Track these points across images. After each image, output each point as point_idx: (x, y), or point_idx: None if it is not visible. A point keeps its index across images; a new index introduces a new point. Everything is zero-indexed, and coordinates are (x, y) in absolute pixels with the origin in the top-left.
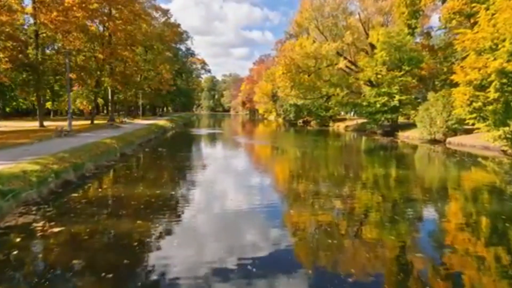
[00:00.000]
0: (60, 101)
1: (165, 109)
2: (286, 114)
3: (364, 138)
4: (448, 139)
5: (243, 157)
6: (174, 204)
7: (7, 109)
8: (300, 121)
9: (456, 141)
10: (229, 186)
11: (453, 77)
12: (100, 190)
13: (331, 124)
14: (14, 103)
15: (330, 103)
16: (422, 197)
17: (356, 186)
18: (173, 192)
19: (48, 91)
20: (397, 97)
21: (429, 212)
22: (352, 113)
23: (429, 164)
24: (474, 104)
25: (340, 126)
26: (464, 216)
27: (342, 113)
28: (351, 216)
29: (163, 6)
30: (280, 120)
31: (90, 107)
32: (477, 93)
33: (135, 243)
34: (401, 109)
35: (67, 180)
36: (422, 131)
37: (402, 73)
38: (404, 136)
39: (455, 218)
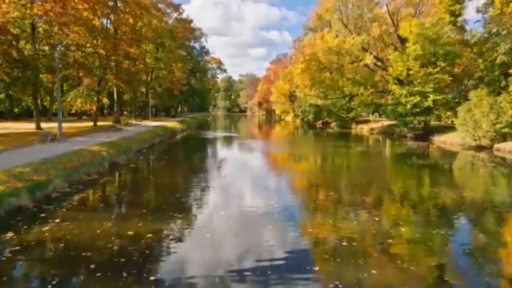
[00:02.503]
0: (60, 101)
1: (179, 109)
2: (305, 115)
3: (394, 143)
4: (496, 145)
5: (259, 175)
6: (171, 263)
7: (16, 110)
8: (319, 122)
9: (507, 148)
10: (246, 230)
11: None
12: (52, 227)
13: (353, 126)
14: (23, 103)
15: (352, 103)
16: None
17: (398, 216)
18: (168, 235)
19: (42, 90)
20: (431, 96)
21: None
22: (374, 114)
23: (477, 177)
24: None
25: (364, 129)
26: None
27: (362, 114)
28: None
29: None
30: (298, 121)
31: (94, 108)
32: None
33: None
34: (435, 111)
35: (17, 206)
36: (464, 135)
37: (437, 69)
38: (440, 141)
39: None
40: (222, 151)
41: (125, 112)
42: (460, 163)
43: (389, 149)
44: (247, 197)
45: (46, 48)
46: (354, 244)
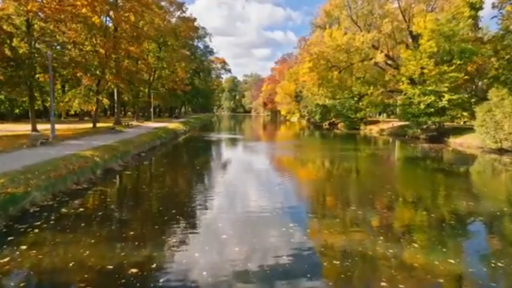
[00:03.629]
0: (57, 101)
1: (183, 110)
2: (311, 115)
3: (406, 145)
4: None
5: (267, 187)
6: None
7: (16, 111)
8: (326, 123)
9: None
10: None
11: None
12: (15, 258)
13: (362, 127)
14: (25, 104)
15: (361, 103)
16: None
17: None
18: (159, 270)
19: (39, 90)
20: (446, 96)
21: None
22: (382, 115)
23: (501, 183)
24: None
25: (373, 130)
26: None
27: (370, 114)
28: None
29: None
30: (304, 122)
31: (94, 108)
32: None
33: None
34: (450, 111)
35: None
36: (484, 137)
37: (452, 67)
38: (456, 143)
39: None
40: (226, 155)
41: (129, 113)
42: (481, 167)
43: (403, 153)
44: (259, 224)
45: (42, 46)
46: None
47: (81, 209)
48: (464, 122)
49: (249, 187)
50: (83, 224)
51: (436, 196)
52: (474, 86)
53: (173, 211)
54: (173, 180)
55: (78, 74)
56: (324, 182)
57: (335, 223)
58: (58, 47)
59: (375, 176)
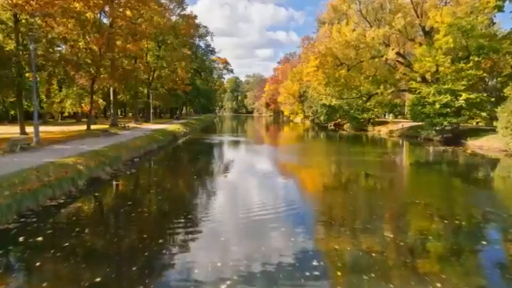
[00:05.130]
0: (48, 102)
1: (184, 111)
2: (316, 116)
3: (421, 148)
4: None
5: (272, 202)
6: None
7: (12, 112)
8: (331, 124)
9: None
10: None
11: None
12: None
13: (369, 128)
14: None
15: (369, 103)
16: None
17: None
18: None
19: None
20: (463, 95)
21: None
22: (388, 115)
23: None
24: None
25: (381, 131)
26: None
27: (377, 115)
28: None
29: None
30: (308, 122)
31: (88, 109)
32: None
33: None
34: (467, 111)
35: None
36: (508, 140)
37: (470, 65)
38: (475, 145)
39: None
40: (227, 161)
41: (130, 114)
42: (506, 172)
43: (420, 157)
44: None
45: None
46: None
47: (45, 235)
48: (477, 123)
49: (253, 206)
50: (47, 256)
51: (468, 210)
52: (484, 85)
53: (160, 241)
54: (167, 193)
55: (71, 73)
56: (339, 197)
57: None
58: (46, 43)
59: (399, 188)
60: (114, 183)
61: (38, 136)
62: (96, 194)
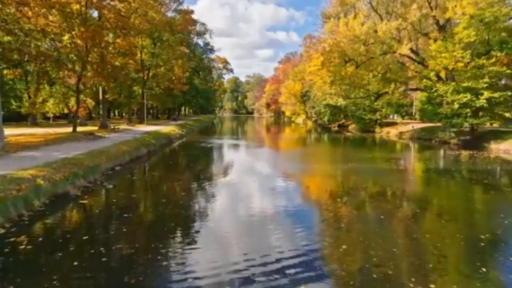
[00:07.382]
0: (30, 102)
1: (182, 112)
2: (319, 116)
3: (438, 152)
4: None
5: (276, 225)
6: None
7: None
8: (334, 125)
9: None
10: None
11: None
12: None
13: (377, 130)
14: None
15: (376, 103)
16: None
17: None
18: None
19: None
20: (485, 93)
21: None
22: (394, 116)
23: None
24: None
25: (390, 133)
26: None
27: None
28: None
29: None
30: (310, 123)
31: (74, 110)
32: None
33: None
34: (488, 111)
35: None
36: None
37: (492, 60)
38: (500, 149)
39: None
40: (225, 168)
41: (125, 115)
42: None
43: (440, 163)
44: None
45: (2, 35)
46: None
47: None
48: (491, 124)
49: (253, 230)
50: None
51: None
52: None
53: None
54: (147, 214)
55: (49, 70)
56: (358, 233)
57: None
58: (22, 36)
59: (419, 201)
60: (83, 201)
61: (3, 141)
62: (57, 217)
